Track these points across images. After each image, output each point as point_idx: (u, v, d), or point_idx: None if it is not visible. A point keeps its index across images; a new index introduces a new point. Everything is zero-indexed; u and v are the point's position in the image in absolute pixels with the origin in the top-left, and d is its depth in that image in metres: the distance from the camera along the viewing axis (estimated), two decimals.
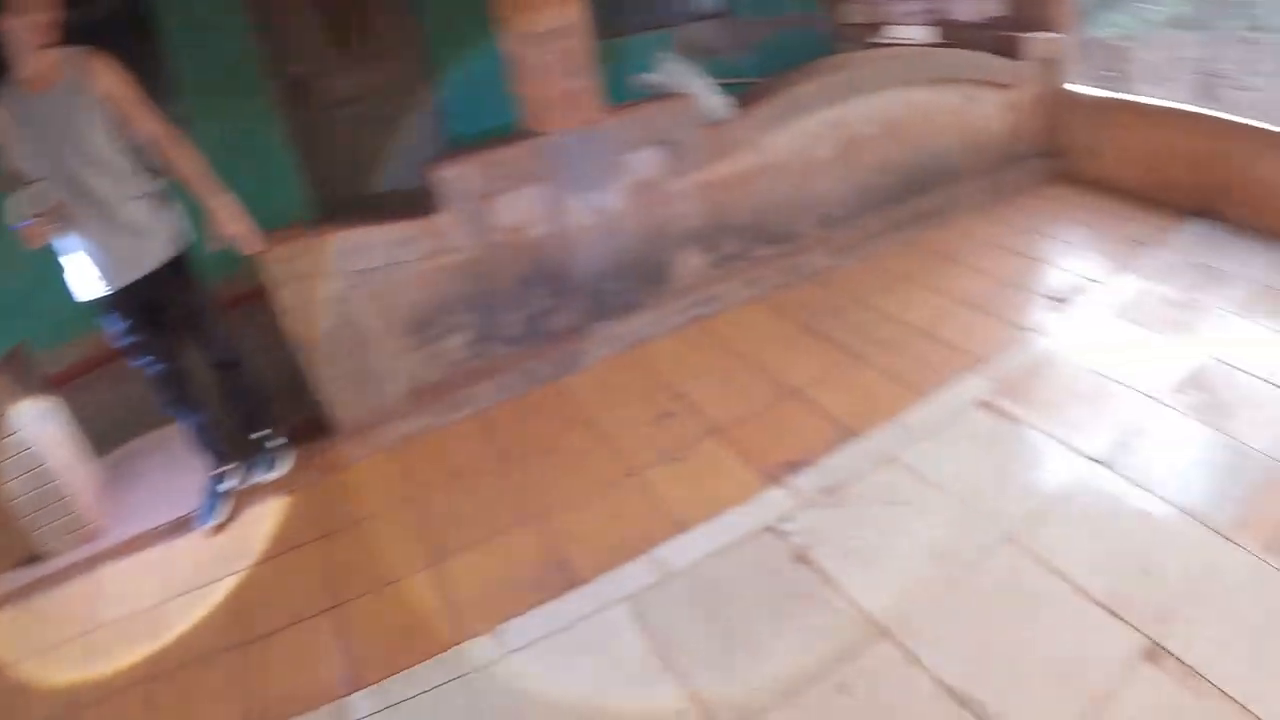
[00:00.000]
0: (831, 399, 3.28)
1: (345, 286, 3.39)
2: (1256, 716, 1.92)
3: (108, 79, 2.77)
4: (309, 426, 3.58)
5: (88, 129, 2.75)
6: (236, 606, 2.87)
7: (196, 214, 3.03)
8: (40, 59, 2.68)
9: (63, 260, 2.91)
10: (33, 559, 3.36)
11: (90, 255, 2.87)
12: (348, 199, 5.60)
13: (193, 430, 3.29)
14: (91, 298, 2.94)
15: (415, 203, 3.45)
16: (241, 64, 5.29)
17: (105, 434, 3.87)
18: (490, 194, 3.53)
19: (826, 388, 3.34)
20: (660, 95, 3.94)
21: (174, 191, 3.04)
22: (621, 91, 3.92)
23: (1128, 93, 4.97)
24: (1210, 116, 4.39)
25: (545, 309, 3.80)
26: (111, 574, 3.23)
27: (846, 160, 4.35)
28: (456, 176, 3.45)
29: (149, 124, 2.87)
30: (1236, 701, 1.97)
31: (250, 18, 5.25)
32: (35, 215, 2.66)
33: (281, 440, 3.50)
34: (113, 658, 2.74)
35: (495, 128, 5.09)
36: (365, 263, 3.40)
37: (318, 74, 5.59)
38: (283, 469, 3.47)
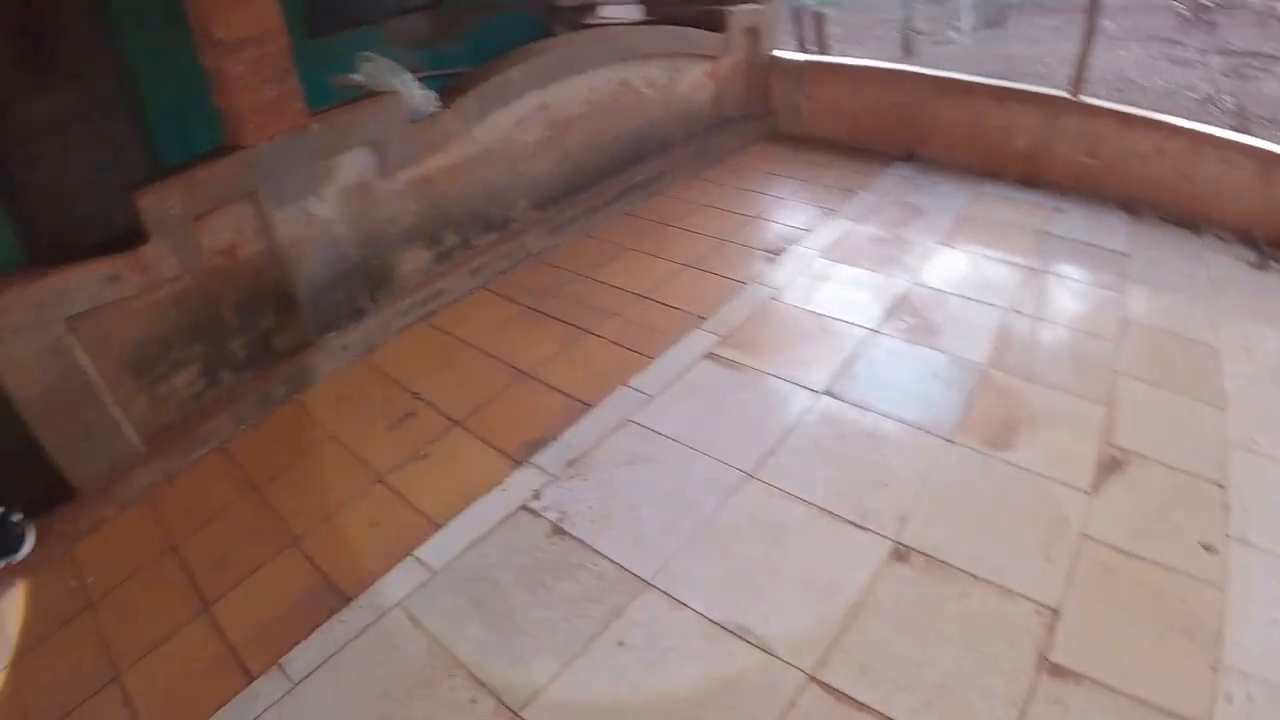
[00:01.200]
0: (564, 375, 3.57)
1: (56, 336, 3.31)
2: (1003, 587, 2.41)
3: None
4: (47, 494, 3.48)
5: None
6: (11, 704, 2.80)
7: None
8: None
9: None
10: None
11: None
12: (63, 237, 5.32)
13: None
14: None
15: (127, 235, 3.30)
16: None
17: None
18: (196, 216, 3.53)
19: (558, 365, 3.64)
20: (363, 94, 4.10)
21: None
22: (326, 95, 4.04)
23: (833, 55, 5.75)
24: (900, 70, 5.19)
25: (271, 328, 3.86)
26: None
27: (556, 141, 4.64)
28: (157, 202, 3.43)
29: None
30: (982, 579, 2.45)
31: None
32: None
33: (20, 516, 3.37)
34: None
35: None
36: (73, 308, 3.34)
37: (6, 105, 5.13)
38: (28, 547, 3.36)
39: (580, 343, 3.78)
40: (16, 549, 3.34)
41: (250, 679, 2.54)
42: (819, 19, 10.36)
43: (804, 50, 5.91)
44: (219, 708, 2.48)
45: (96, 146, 5.65)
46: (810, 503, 2.61)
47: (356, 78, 4.26)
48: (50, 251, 5.18)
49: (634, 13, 6.28)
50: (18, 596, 3.28)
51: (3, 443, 3.48)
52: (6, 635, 3.09)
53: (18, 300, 3.21)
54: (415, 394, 3.70)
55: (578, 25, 6.26)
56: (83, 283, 3.38)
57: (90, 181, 5.57)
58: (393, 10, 6.36)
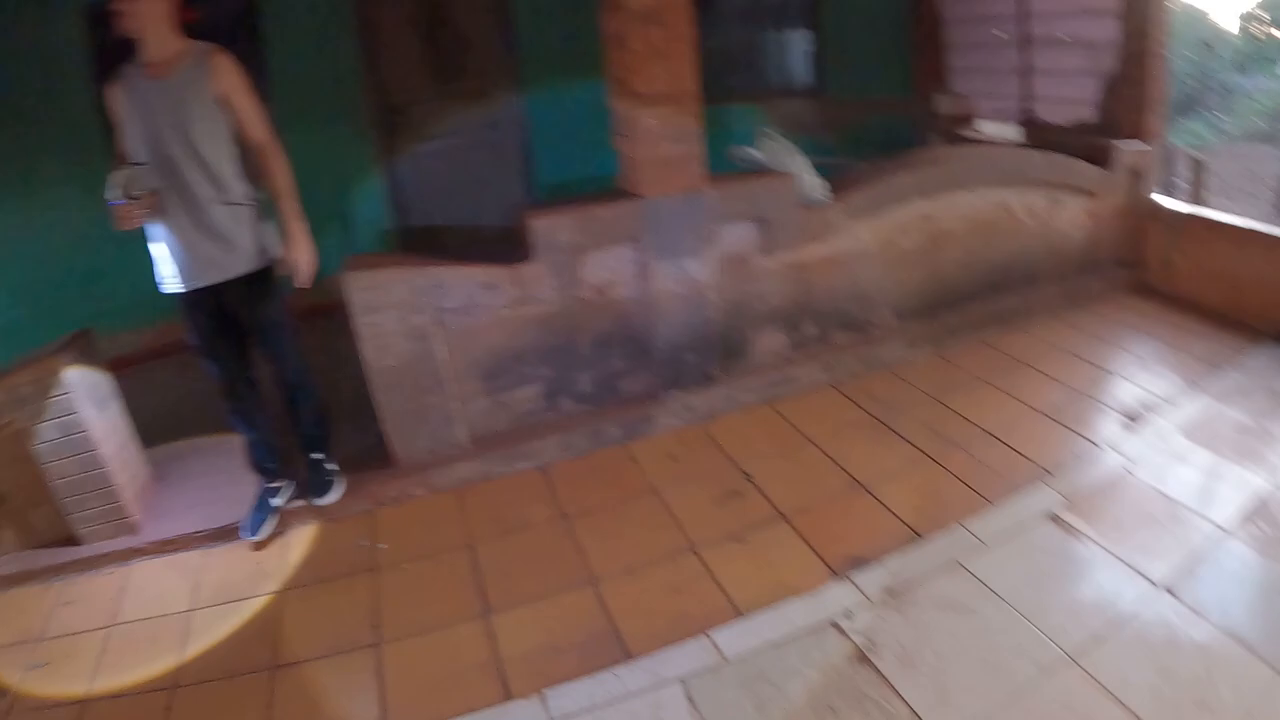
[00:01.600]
0: (899, 496, 3.22)
1: (424, 323, 3.41)
2: None
3: (226, 79, 2.83)
4: (366, 456, 3.58)
5: (198, 123, 2.80)
6: (268, 628, 2.84)
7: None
8: (165, 46, 2.80)
9: (151, 248, 2.99)
10: (68, 541, 3.43)
11: (173, 251, 2.93)
12: (430, 230, 5.67)
13: (250, 442, 3.32)
14: (171, 291, 2.99)
15: (500, 246, 3.51)
16: (343, 83, 5.54)
17: (161, 426, 3.97)
18: (581, 249, 3.55)
19: (895, 483, 3.29)
20: (758, 170, 4.00)
21: (269, 206, 3.05)
22: (715, 159, 3.95)
23: (1205, 205, 5.01)
24: None
25: (620, 371, 3.78)
26: (143, 571, 3.29)
27: (930, 253, 4.38)
28: (550, 228, 3.48)
29: (256, 131, 2.92)
30: None
31: (359, 40, 5.51)
32: (129, 197, 2.71)
33: (336, 467, 3.49)
34: (131, 659, 2.77)
35: (579, 177, 5.21)
36: (447, 302, 3.44)
37: (413, 103, 5.80)
38: (335, 495, 3.44)
39: (921, 468, 3.46)
40: (322, 493, 3.43)
41: (509, 696, 2.42)
42: (1197, 165, 9.23)
43: (1176, 198, 5.11)
44: (468, 711, 2.39)
45: (486, 156, 6.15)
46: (1127, 707, 2.10)
47: (754, 152, 4.17)
48: (421, 242, 5.41)
49: (1011, 132, 5.66)
50: (309, 536, 3.39)
51: (343, 397, 3.69)
52: (286, 564, 3.20)
53: (400, 280, 3.36)
54: (746, 474, 3.48)
55: (953, 137, 5.79)
56: (462, 282, 3.47)
57: (468, 187, 6.10)
58: (780, 90, 6.43)
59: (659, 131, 3.56)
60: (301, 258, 2.99)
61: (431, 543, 3.22)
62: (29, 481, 3.39)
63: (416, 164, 5.76)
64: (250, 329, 3.11)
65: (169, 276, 2.97)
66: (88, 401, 3.34)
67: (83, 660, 2.77)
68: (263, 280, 3.04)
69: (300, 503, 3.41)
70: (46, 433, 3.30)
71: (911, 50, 6.60)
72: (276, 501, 3.36)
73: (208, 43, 2.86)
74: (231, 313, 3.05)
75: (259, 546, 3.27)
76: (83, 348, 3.42)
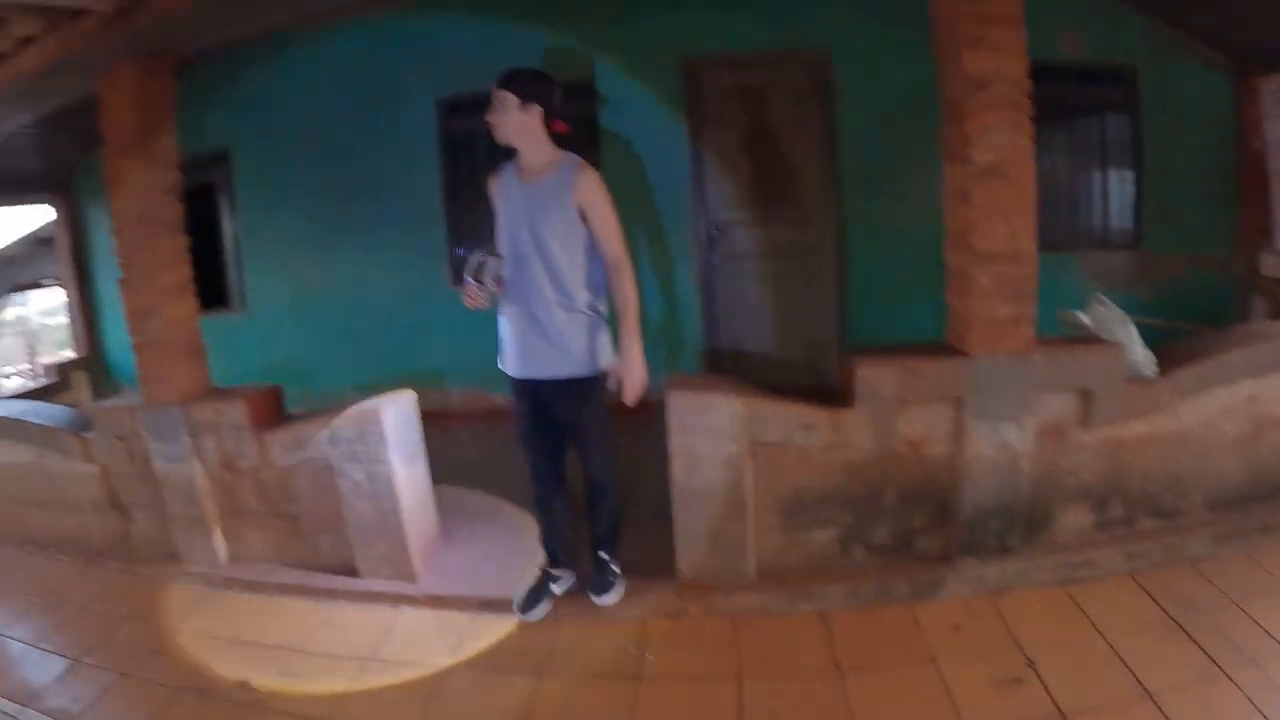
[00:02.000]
0: (1185, 710, 2.88)
1: (737, 452, 3.35)
2: None
3: (586, 193, 2.95)
4: (651, 565, 3.56)
5: (554, 230, 2.96)
6: (519, 711, 2.87)
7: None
8: (535, 155, 3.04)
9: (500, 326, 3.20)
10: (348, 571, 3.69)
11: (510, 339, 3.12)
12: (737, 353, 5.67)
13: (545, 526, 3.42)
14: (503, 369, 3.15)
15: (811, 383, 3.37)
16: (673, 198, 5.83)
17: (462, 482, 4.24)
18: (902, 402, 3.38)
19: (1186, 700, 2.92)
20: (1087, 336, 3.78)
21: (609, 318, 3.17)
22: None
23: None
24: None
25: (918, 529, 3.58)
26: (411, 618, 3.42)
27: (1252, 440, 3.94)
28: (875, 377, 3.34)
29: (609, 246, 3.01)
30: None
31: (690, 156, 5.77)
32: (479, 281, 2.92)
33: (619, 570, 3.49)
34: (378, 697, 2.91)
35: (893, 322, 5.00)
36: (764, 435, 3.36)
37: (735, 224, 5.93)
38: (614, 597, 3.43)
39: (1212, 682, 3.03)
40: (602, 592, 3.42)
41: None
42: None
43: None
44: None
45: (801, 285, 6.07)
46: None
47: (1083, 317, 3.90)
48: (727, 364, 5.38)
49: None
50: (579, 630, 3.38)
51: (638, 502, 3.76)
52: (550, 652, 3.24)
53: (722, 406, 3.34)
54: (1029, 660, 3.19)
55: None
56: (782, 418, 3.39)
57: (779, 314, 6.07)
58: (1095, 240, 6.02)
59: (994, 290, 3.37)
60: (632, 376, 3.01)
61: (699, 666, 3.13)
62: (328, 510, 3.71)
63: (732, 285, 5.87)
64: (565, 427, 3.19)
65: (504, 358, 3.18)
66: (398, 454, 3.57)
67: (332, 683, 2.96)
68: (586, 386, 3.10)
69: (578, 595, 3.48)
70: (354, 473, 3.59)
71: (1235, 202, 6.08)
72: (556, 588, 3.43)
73: (576, 157, 3.04)
74: (549, 408, 3.15)
75: (528, 625, 3.34)
76: (403, 405, 3.70)
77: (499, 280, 3.00)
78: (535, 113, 2.97)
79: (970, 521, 3.56)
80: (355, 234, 6.66)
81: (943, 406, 3.45)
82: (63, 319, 19.84)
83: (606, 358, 3.10)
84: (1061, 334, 3.77)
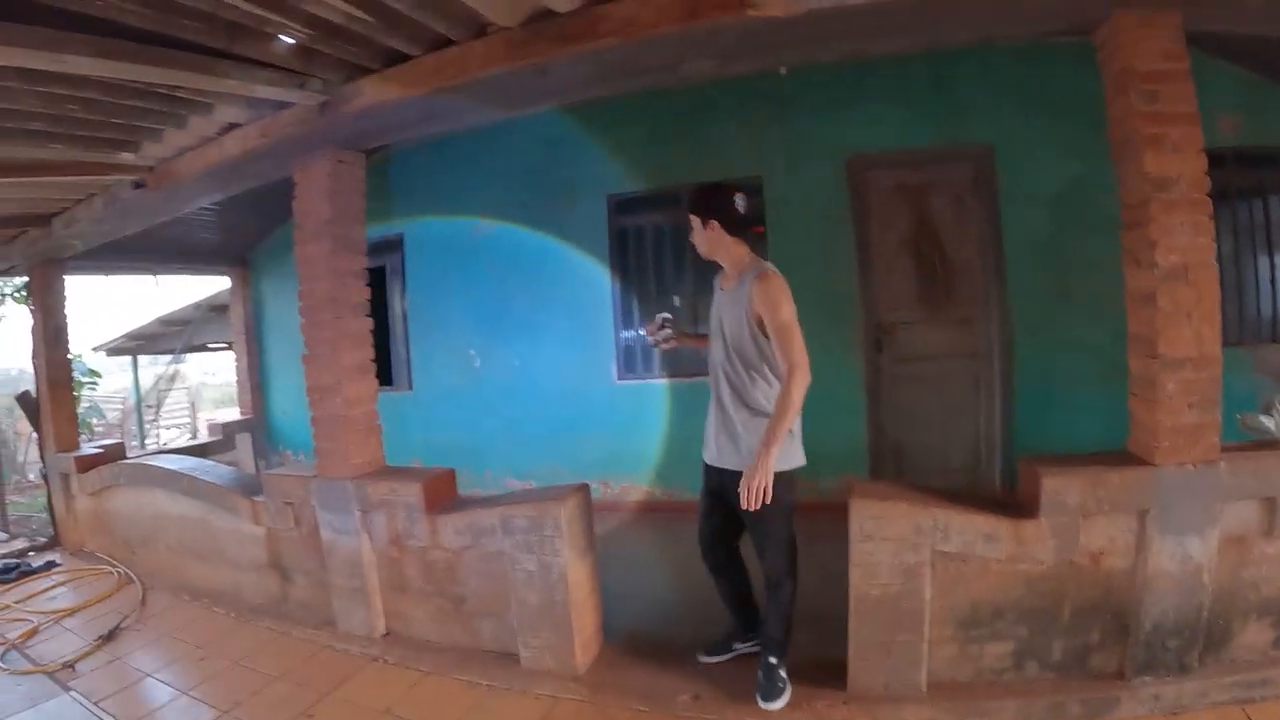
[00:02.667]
0: None
1: (917, 561, 3.15)
2: None
3: (763, 301, 2.94)
4: (820, 672, 3.38)
5: (735, 334, 3.05)
6: None
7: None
8: (732, 263, 3.17)
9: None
10: (509, 656, 3.61)
11: (707, 427, 3.29)
12: (899, 452, 5.36)
13: (719, 585, 3.50)
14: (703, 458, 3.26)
15: (977, 489, 3.12)
16: (840, 298, 5.60)
17: (625, 575, 4.10)
18: (1086, 513, 3.14)
19: None
20: (1270, 441, 3.54)
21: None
22: None
23: None
24: None
25: (1094, 645, 3.31)
26: (569, 709, 3.31)
27: None
28: (1061, 488, 3.11)
29: (782, 351, 2.92)
30: None
31: (858, 256, 5.57)
32: (656, 335, 3.49)
33: (786, 675, 3.31)
34: None
35: (1062, 426, 4.65)
36: (945, 544, 3.15)
37: (901, 323, 5.69)
38: (780, 703, 3.22)
39: None
40: (770, 699, 3.25)
41: None
42: None
43: None
44: None
45: (966, 386, 5.68)
46: None
47: (1266, 421, 3.71)
48: (895, 467, 5.08)
49: None
50: None
51: (811, 604, 3.52)
52: None
53: (905, 515, 3.13)
54: None
55: None
56: (965, 528, 3.16)
57: (941, 415, 5.67)
58: (1266, 335, 5.49)
59: (1180, 397, 3.12)
60: (754, 478, 2.87)
61: None
62: (493, 595, 3.61)
63: (898, 386, 5.66)
64: (743, 521, 3.17)
65: (704, 444, 3.27)
66: (572, 548, 3.45)
67: None
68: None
69: (746, 701, 3.32)
70: (527, 563, 3.44)
71: None
72: (739, 645, 3.52)
73: (763, 264, 3.08)
74: (723, 496, 3.17)
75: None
76: (581, 499, 3.57)
77: (677, 336, 3.48)
78: (715, 227, 3.07)
79: (1148, 638, 3.29)
80: (523, 322, 6.68)
81: (1126, 518, 3.20)
82: (222, 379, 20.48)
83: (787, 460, 3.02)
84: (1242, 439, 3.56)
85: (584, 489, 3.59)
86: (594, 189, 6.21)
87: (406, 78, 3.40)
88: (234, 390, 8.48)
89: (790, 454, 3.03)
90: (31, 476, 10.41)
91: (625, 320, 6.22)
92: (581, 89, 3.64)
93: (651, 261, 6.24)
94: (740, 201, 3.07)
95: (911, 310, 5.62)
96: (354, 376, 3.84)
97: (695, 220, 3.10)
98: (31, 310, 6.56)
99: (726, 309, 3.07)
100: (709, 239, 3.10)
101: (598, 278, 6.26)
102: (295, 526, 4.03)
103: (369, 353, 3.95)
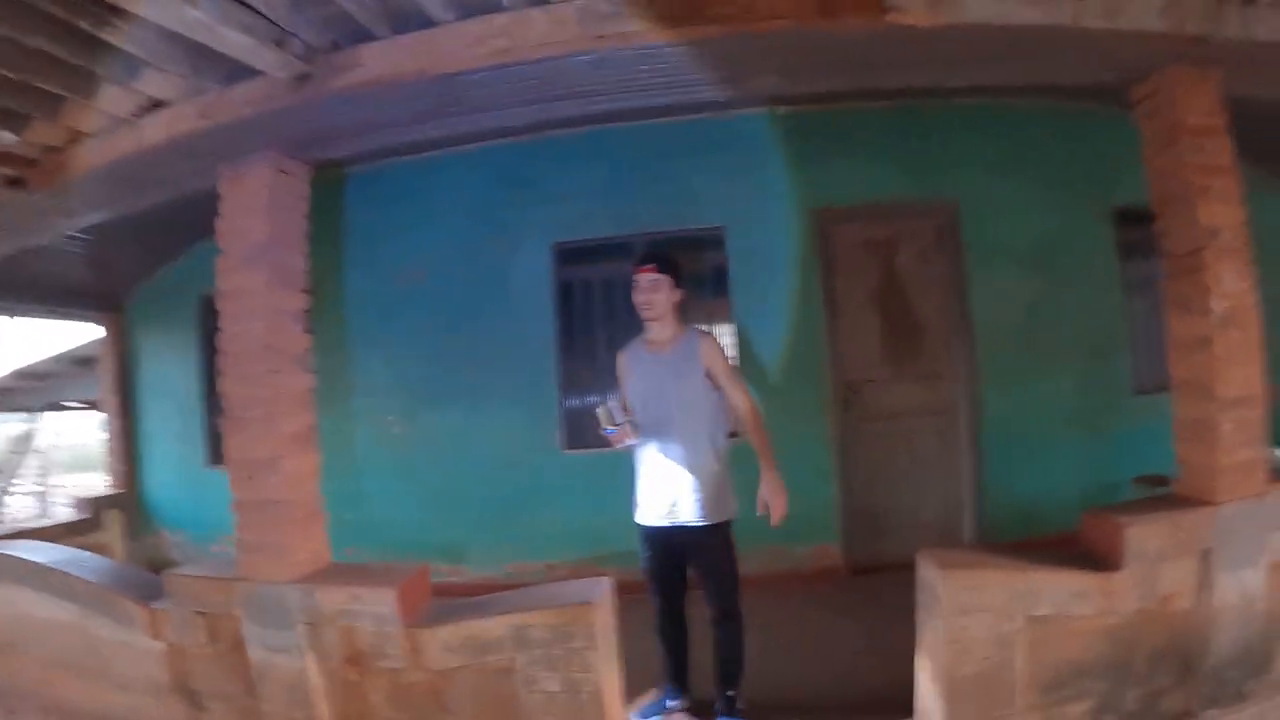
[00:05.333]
0: None
1: (1011, 629, 2.31)
2: None
3: (713, 357, 2.62)
4: None
5: (688, 391, 2.63)
6: None
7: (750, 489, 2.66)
8: (672, 328, 2.68)
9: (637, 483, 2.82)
10: None
11: (645, 490, 2.70)
12: (870, 513, 4.39)
13: (669, 656, 2.83)
14: (638, 521, 2.77)
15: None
16: (806, 355, 4.28)
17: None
18: (1162, 559, 2.44)
19: None
20: None
21: (733, 467, 2.71)
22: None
23: None
24: None
25: (1163, 688, 2.58)
26: None
27: None
28: (1143, 536, 2.39)
29: (737, 398, 2.65)
30: None
31: (825, 313, 4.38)
32: (616, 425, 2.54)
33: (743, 705, 2.73)
34: None
35: (1033, 478, 4.04)
36: (1037, 609, 2.34)
37: (867, 381, 4.52)
38: None
39: None
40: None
41: None
42: None
43: None
44: None
45: (933, 445, 4.42)
46: None
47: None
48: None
49: None
50: None
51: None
52: None
53: (998, 583, 2.31)
54: None
55: None
56: (1055, 589, 2.37)
57: (918, 471, 4.40)
58: None
59: (1235, 436, 2.54)
60: (777, 500, 2.55)
61: None
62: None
63: (865, 444, 4.46)
64: (698, 569, 2.72)
65: (639, 509, 2.76)
66: (606, 660, 2.23)
67: None
68: (719, 531, 2.67)
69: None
70: (546, 683, 2.20)
71: None
72: (671, 703, 2.84)
73: (697, 326, 2.77)
74: (679, 552, 2.71)
75: None
76: (612, 598, 2.39)
77: (629, 422, 2.59)
78: (677, 293, 2.67)
79: (1212, 673, 2.65)
80: (457, 385, 4.65)
81: (1191, 559, 2.52)
82: (73, 441, 15.28)
83: (731, 508, 2.69)
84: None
85: (609, 584, 2.50)
86: (539, 234, 4.62)
87: (431, 48, 2.10)
88: (86, 454, 5.86)
89: (733, 501, 2.72)
90: None
91: (570, 384, 4.69)
92: (632, 91, 2.39)
93: (600, 318, 4.76)
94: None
95: (879, 367, 4.62)
96: (295, 448, 2.46)
97: (664, 279, 2.62)
98: None
99: (668, 369, 2.66)
100: (670, 300, 2.64)
101: (541, 334, 4.64)
102: (210, 642, 2.51)
103: (312, 417, 2.40)
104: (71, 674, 3.14)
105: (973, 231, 4.33)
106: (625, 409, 2.64)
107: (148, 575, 3.05)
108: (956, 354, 4.51)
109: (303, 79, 2.17)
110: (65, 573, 3.00)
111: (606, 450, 4.73)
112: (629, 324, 4.73)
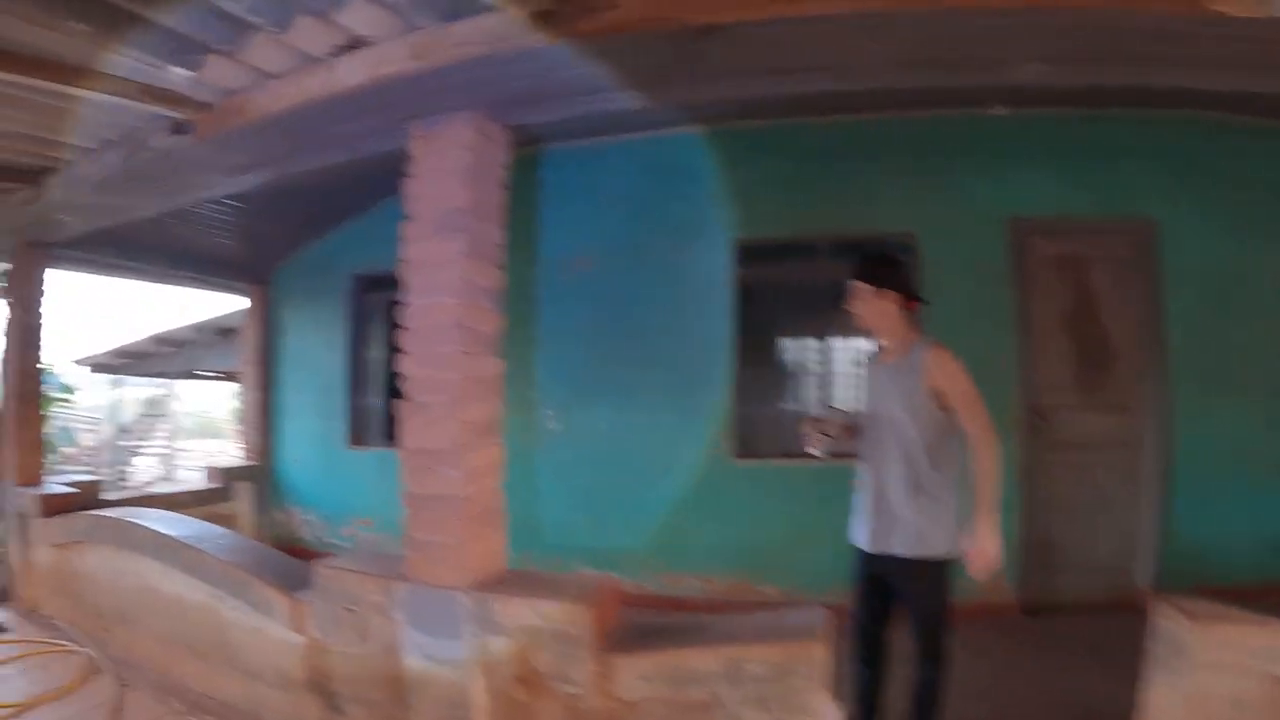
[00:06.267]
0: None
1: (1250, 690, 1.85)
2: None
3: (940, 373, 2.10)
4: None
5: (907, 409, 2.14)
6: None
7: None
8: (896, 338, 2.24)
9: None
10: None
11: (860, 511, 2.27)
12: (1045, 550, 3.73)
13: (856, 684, 2.29)
14: (851, 543, 2.39)
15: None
16: (995, 378, 3.56)
17: None
18: None
19: None
20: None
21: (958, 501, 2.18)
22: None
23: None
24: None
25: None
26: None
27: None
28: None
29: (969, 421, 2.10)
30: None
31: (1017, 331, 3.71)
32: (822, 431, 2.18)
33: None
34: None
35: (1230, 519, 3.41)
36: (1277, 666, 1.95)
37: (1057, 407, 3.85)
38: None
39: None
40: None
41: None
42: None
43: None
44: None
45: (1117, 480, 3.69)
46: None
47: None
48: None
49: None
50: None
51: None
52: None
53: (1242, 638, 1.81)
54: None
55: None
56: None
57: (1100, 508, 3.68)
58: None
59: None
60: (983, 552, 2.05)
61: None
62: None
63: (1050, 474, 3.78)
64: (905, 604, 2.23)
65: (853, 530, 2.33)
66: (824, 702, 1.79)
67: None
68: (924, 570, 2.15)
69: None
70: None
71: None
72: None
73: (930, 337, 2.25)
74: (885, 582, 2.24)
75: None
76: (828, 630, 1.94)
77: (846, 428, 2.23)
78: (890, 298, 2.20)
79: None
80: (618, 382, 4.07)
81: None
82: (197, 409, 14.75)
83: (949, 544, 2.15)
84: None
85: (823, 613, 2.04)
86: (716, 230, 3.99)
87: None
88: (210, 421, 5.46)
89: (953, 537, 2.20)
90: None
91: (746, 390, 4.08)
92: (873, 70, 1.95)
93: (781, 322, 4.27)
94: (910, 275, 2.39)
95: (1068, 393, 3.91)
96: (479, 439, 1.97)
97: (865, 288, 2.23)
98: (10, 303, 4.03)
99: (891, 385, 2.23)
100: (879, 310, 2.23)
101: (716, 335, 3.97)
102: (359, 642, 1.95)
103: (499, 406, 1.91)
104: (192, 654, 2.81)
105: (1173, 254, 3.64)
106: (835, 419, 2.31)
107: (291, 561, 2.67)
108: (1148, 384, 3.76)
109: (545, 18, 1.64)
110: (200, 550, 2.62)
111: (781, 461, 3.88)
112: (810, 330, 4.20)
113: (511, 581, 2.06)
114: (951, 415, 2.15)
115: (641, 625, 2.06)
